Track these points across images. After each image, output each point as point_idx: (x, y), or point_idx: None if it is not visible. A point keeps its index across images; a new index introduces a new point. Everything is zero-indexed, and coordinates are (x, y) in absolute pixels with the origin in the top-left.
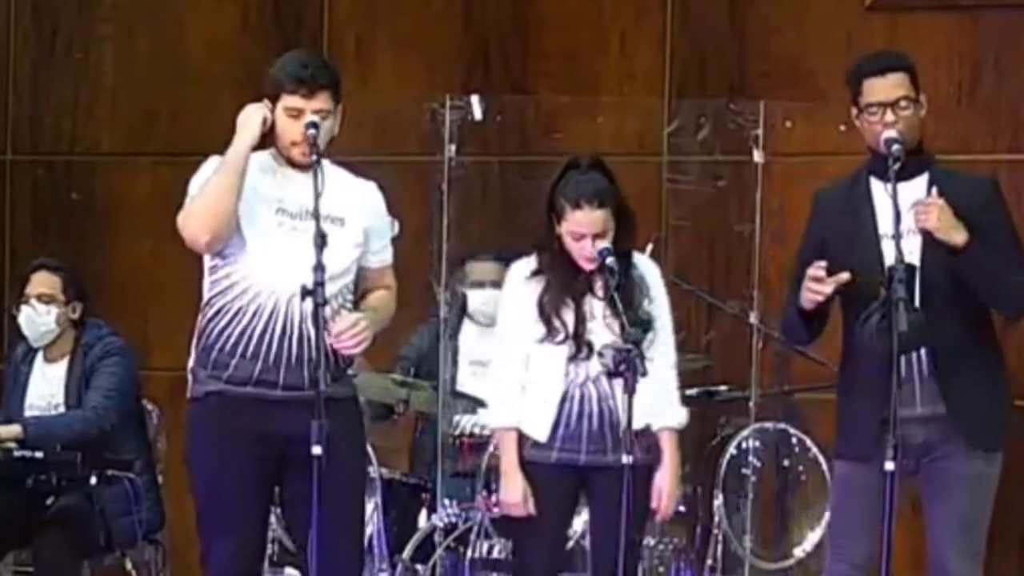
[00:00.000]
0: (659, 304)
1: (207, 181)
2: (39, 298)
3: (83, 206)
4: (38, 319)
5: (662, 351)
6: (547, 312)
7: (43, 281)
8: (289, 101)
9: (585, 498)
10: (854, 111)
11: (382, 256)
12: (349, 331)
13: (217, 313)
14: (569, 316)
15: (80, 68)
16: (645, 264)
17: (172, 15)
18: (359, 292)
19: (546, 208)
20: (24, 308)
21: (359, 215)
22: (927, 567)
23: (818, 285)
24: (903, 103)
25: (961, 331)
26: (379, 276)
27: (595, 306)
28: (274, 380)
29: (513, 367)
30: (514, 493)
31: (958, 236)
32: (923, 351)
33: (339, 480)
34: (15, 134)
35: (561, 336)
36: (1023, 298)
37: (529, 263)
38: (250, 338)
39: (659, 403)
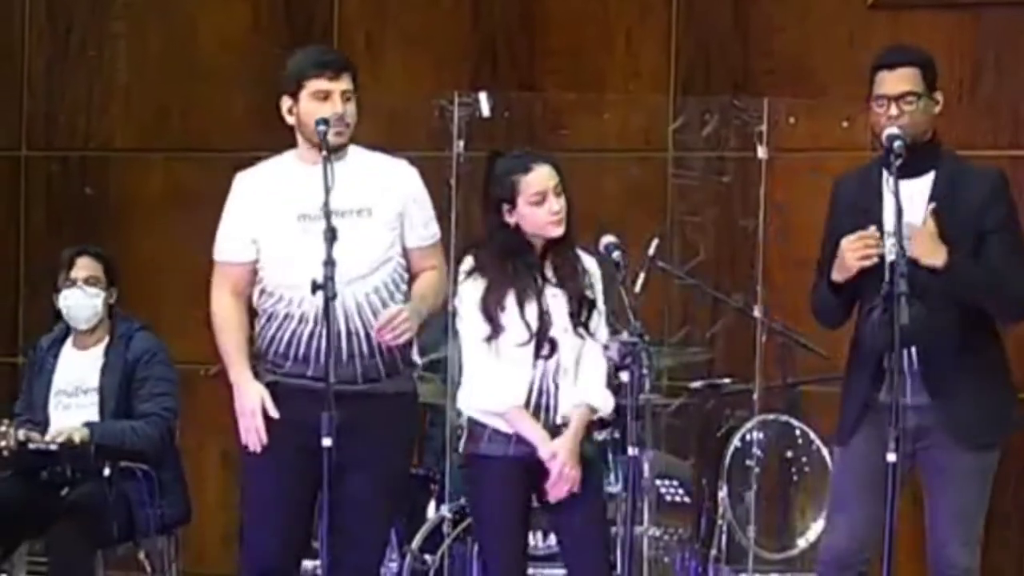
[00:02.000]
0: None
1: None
2: (86, 281)
3: (97, 201)
4: (86, 301)
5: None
6: (490, 310)
7: (88, 265)
8: (316, 85)
9: (536, 494)
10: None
11: (421, 234)
12: (388, 324)
13: (268, 319)
14: (532, 311)
15: (94, 65)
16: (586, 259)
17: (184, 13)
18: (411, 274)
19: (487, 207)
20: (71, 291)
21: (389, 199)
22: (927, 555)
23: (864, 250)
24: (909, 98)
25: (955, 329)
26: (422, 256)
27: (549, 294)
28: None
29: (493, 360)
30: (545, 450)
31: (937, 259)
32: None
33: (377, 474)
34: (30, 130)
35: (525, 336)
36: (1017, 304)
37: (466, 262)
38: (299, 342)
39: (593, 385)
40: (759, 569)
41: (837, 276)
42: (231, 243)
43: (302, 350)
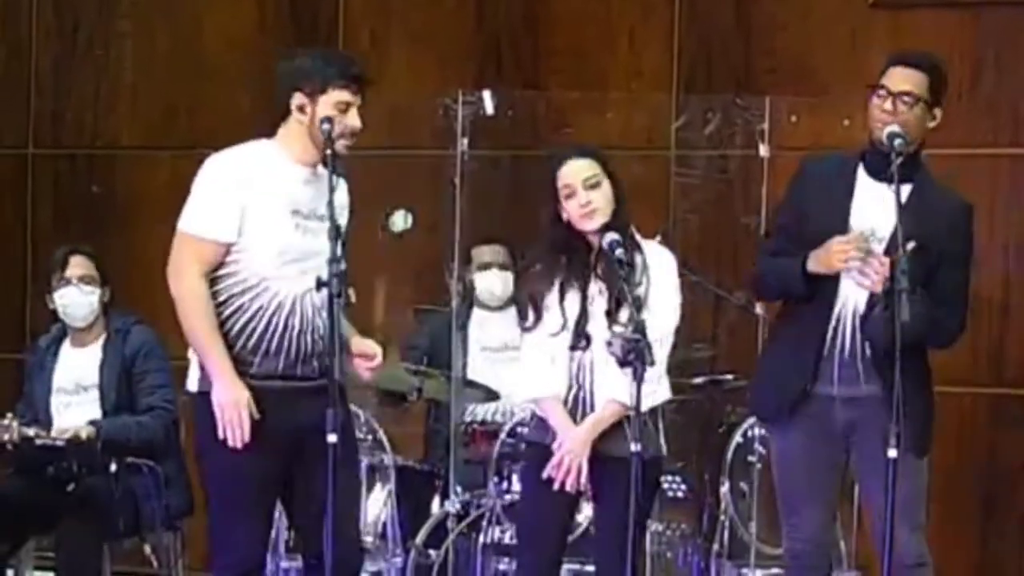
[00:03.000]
0: (657, 289)
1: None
2: (81, 279)
3: (104, 199)
4: (82, 298)
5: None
6: (523, 300)
7: (82, 264)
8: (340, 95)
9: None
10: None
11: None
12: (371, 360)
13: (235, 311)
14: (572, 304)
15: (101, 64)
16: (653, 251)
17: (190, 12)
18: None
19: (550, 200)
20: (66, 289)
21: (341, 210)
22: (872, 540)
23: (853, 253)
24: (906, 98)
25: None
26: None
27: (595, 291)
28: (292, 373)
29: (537, 350)
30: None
31: (876, 287)
32: (848, 336)
33: (350, 468)
34: (37, 128)
35: (559, 326)
36: (946, 338)
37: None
38: (272, 335)
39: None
40: (761, 564)
41: (815, 267)
42: (216, 219)
43: (274, 343)
